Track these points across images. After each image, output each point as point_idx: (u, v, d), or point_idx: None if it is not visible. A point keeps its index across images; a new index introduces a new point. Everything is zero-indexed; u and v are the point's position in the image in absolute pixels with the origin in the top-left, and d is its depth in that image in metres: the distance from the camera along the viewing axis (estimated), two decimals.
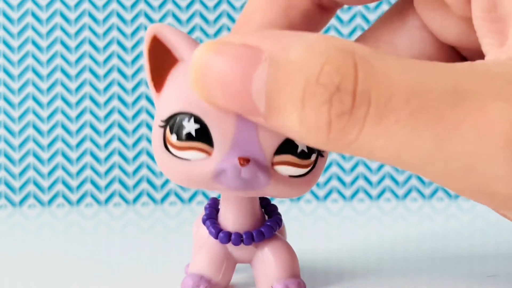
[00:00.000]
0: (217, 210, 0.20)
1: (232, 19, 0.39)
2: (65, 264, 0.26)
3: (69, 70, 0.39)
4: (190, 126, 0.17)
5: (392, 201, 0.40)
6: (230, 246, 0.20)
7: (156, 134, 0.18)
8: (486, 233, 0.33)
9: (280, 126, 0.15)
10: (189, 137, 0.17)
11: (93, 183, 0.39)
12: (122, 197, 0.39)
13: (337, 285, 0.22)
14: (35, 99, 0.39)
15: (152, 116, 0.39)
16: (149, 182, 0.39)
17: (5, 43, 0.38)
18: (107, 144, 0.39)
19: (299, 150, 0.18)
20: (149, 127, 0.39)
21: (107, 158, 0.39)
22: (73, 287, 0.23)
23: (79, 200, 0.39)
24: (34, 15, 0.38)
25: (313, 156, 0.18)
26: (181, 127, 0.17)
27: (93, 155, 0.39)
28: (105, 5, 0.38)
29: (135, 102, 0.39)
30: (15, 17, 0.38)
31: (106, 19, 0.39)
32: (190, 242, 0.30)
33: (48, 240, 0.32)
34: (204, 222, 0.20)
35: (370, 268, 0.25)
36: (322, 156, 0.18)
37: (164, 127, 0.18)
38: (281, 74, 0.15)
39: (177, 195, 0.39)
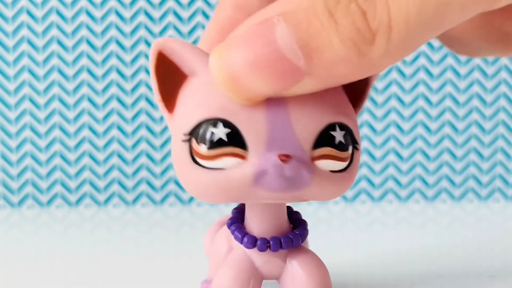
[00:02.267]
0: (243, 215, 0.19)
1: None
2: (64, 265, 0.27)
3: (66, 70, 0.38)
4: (219, 132, 0.16)
5: (394, 203, 0.39)
6: (257, 260, 0.19)
7: (179, 151, 0.17)
8: (487, 233, 0.33)
9: (326, 64, 0.15)
10: (220, 143, 0.16)
11: (92, 184, 0.38)
12: (121, 198, 0.39)
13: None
14: (31, 100, 0.38)
15: (151, 117, 0.38)
16: (149, 183, 0.39)
17: (0, 43, 0.37)
18: (106, 145, 0.38)
19: (336, 141, 0.17)
20: (148, 129, 0.38)
21: (106, 159, 0.38)
22: None
23: (78, 201, 0.38)
24: (29, 13, 0.37)
25: (350, 148, 0.17)
26: (209, 134, 0.16)
27: (92, 156, 0.38)
28: (103, 3, 0.37)
29: (134, 103, 0.38)
30: (10, 15, 0.37)
31: (104, 16, 0.37)
32: (190, 243, 0.31)
33: (47, 241, 0.32)
34: (228, 226, 0.19)
35: (370, 267, 0.25)
36: (357, 149, 0.18)
37: (189, 140, 0.17)
38: (300, 16, 0.15)
39: (176, 196, 0.39)
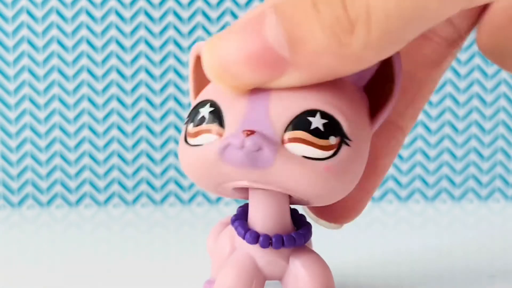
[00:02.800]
0: (247, 214, 0.19)
1: (235, 17, 0.38)
2: (64, 265, 0.27)
3: (66, 70, 0.38)
4: (204, 111, 0.17)
5: (394, 203, 0.39)
6: (260, 260, 0.19)
7: (181, 134, 0.18)
8: (487, 233, 0.33)
9: (309, 54, 0.15)
10: (202, 120, 0.17)
11: (92, 184, 0.38)
12: (121, 198, 0.39)
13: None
14: (31, 100, 0.38)
15: (151, 117, 0.38)
16: (149, 183, 0.39)
17: (0, 43, 0.37)
18: (106, 145, 0.38)
19: (312, 126, 0.16)
20: (149, 129, 0.38)
21: (106, 159, 0.38)
22: None
23: (78, 201, 0.38)
24: (29, 13, 0.37)
25: (332, 139, 0.17)
26: (197, 114, 0.18)
27: (92, 156, 0.38)
28: (103, 3, 0.37)
29: (134, 103, 0.38)
30: (10, 15, 0.37)
31: (104, 16, 0.37)
32: (190, 243, 0.31)
33: (47, 241, 0.32)
34: (232, 222, 0.19)
35: (370, 268, 0.25)
36: (348, 145, 0.17)
37: (187, 122, 0.18)
38: (287, 7, 0.15)
39: (176, 196, 0.39)
